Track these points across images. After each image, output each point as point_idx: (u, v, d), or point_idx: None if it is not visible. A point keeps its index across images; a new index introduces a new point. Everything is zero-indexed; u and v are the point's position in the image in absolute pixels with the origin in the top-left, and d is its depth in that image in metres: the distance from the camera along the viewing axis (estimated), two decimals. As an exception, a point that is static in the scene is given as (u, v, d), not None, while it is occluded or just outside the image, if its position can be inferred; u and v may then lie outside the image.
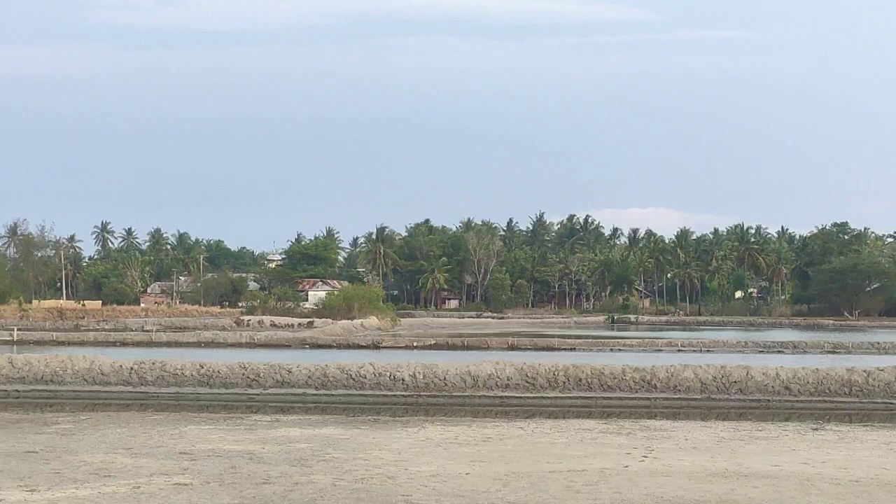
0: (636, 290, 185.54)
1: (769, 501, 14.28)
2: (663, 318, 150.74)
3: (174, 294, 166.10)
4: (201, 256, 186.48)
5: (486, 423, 24.15)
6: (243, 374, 33.24)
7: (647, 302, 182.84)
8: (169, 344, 65.92)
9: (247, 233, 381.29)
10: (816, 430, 22.98)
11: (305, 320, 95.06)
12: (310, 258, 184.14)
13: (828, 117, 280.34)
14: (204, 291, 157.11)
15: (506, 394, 31.98)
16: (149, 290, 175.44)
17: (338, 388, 32.48)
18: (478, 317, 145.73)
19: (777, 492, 14.98)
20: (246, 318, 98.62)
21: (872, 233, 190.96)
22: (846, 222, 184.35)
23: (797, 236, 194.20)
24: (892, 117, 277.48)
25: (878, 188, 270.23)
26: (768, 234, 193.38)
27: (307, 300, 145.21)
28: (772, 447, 19.87)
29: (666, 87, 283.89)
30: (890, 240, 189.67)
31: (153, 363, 33.95)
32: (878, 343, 68.10)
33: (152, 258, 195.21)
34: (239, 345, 65.38)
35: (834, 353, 60.51)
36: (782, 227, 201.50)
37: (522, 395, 31.89)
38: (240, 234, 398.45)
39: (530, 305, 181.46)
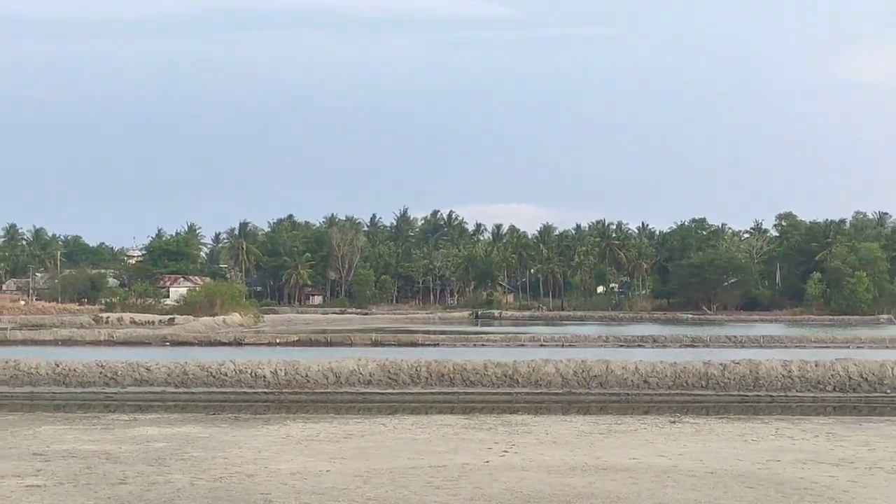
0: (500, 285, 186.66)
1: (627, 494, 14.41)
2: (526, 314, 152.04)
3: (30, 291, 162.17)
4: (58, 252, 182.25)
5: (348, 420, 24.01)
6: (101, 373, 32.68)
7: (510, 297, 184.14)
8: (24, 342, 64.40)
9: (106, 229, 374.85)
10: (674, 422, 23.30)
11: (166, 317, 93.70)
12: (171, 254, 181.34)
13: (687, 114, 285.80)
14: (62, 288, 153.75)
15: (368, 390, 31.96)
16: (3, 288, 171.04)
17: (198, 386, 32.14)
18: (342, 313, 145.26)
19: (635, 484, 15.14)
20: (105, 315, 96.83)
21: (729, 228, 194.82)
22: (704, 218, 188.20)
23: (657, 232, 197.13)
24: (748, 115, 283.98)
25: (735, 185, 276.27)
26: (629, 229, 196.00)
27: (168, 297, 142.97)
28: (630, 440, 20.08)
29: (529, 84, 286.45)
30: (746, 235, 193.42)
31: (6, 362, 33.17)
32: (735, 336, 69.69)
33: (7, 254, 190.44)
34: (97, 343, 64.22)
35: (692, 346, 61.62)
36: (643, 223, 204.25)
37: (385, 392, 31.90)
38: (99, 230, 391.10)
39: (394, 301, 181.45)
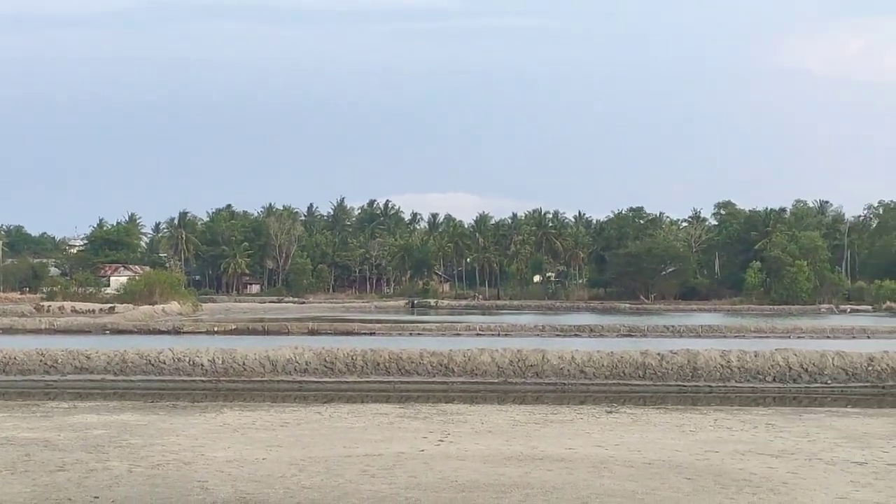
0: (436, 274, 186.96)
1: (563, 484, 14.42)
2: (463, 303, 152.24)
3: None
4: (0, 241, 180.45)
5: (284, 408, 23.91)
6: (41, 361, 32.51)
7: (446, 286, 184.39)
8: (-37, 331, 63.62)
9: (48, 218, 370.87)
10: (611, 412, 23.34)
11: (107, 306, 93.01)
12: (112, 244, 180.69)
13: (623, 103, 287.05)
14: (3, 278, 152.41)
15: (304, 378, 31.89)
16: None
17: (137, 374, 32.00)
18: (279, 302, 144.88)
19: (570, 474, 15.15)
20: (46, 303, 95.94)
21: (667, 217, 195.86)
22: (642, 207, 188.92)
23: (594, 221, 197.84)
24: (687, 104, 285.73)
25: (672, 174, 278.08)
26: (566, 218, 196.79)
27: (109, 286, 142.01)
28: (566, 430, 20.09)
29: (463, 73, 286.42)
30: (684, 224, 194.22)
31: (-59, 350, 32.76)
32: (673, 326, 70.02)
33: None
34: (38, 331, 63.83)
35: (629, 336, 61.74)
36: (579, 212, 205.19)
37: (321, 380, 31.83)
38: (40, 219, 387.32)
39: (331, 290, 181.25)
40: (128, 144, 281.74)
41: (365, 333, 61.94)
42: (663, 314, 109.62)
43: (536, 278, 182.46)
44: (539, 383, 31.74)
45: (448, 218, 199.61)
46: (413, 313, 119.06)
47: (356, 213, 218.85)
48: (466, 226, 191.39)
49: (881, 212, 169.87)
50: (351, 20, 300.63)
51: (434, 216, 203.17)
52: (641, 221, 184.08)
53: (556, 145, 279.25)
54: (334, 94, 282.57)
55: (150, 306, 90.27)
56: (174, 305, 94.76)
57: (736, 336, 61.19)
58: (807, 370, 31.88)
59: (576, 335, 61.90)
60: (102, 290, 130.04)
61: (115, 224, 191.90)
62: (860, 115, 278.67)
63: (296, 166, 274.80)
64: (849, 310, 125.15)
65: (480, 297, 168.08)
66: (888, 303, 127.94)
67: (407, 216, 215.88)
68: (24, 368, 32.28)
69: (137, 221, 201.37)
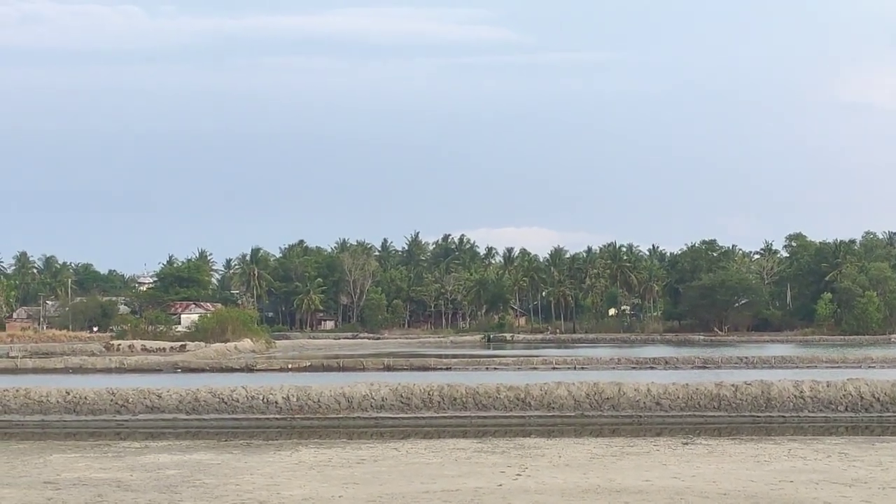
0: (511, 308, 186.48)
1: (640, 517, 14.33)
2: (539, 337, 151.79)
3: (41, 319, 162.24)
4: (69, 280, 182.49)
5: (360, 445, 23.95)
6: (111, 400, 32.62)
7: (522, 320, 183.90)
8: (35, 370, 64.43)
9: (117, 256, 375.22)
10: (686, 444, 23.20)
11: (178, 344, 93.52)
12: (182, 280, 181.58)
13: (697, 137, 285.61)
14: (72, 316, 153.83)
15: (380, 415, 31.88)
16: (14, 316, 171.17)
17: (209, 413, 32.06)
18: (354, 338, 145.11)
19: (648, 507, 15.06)
20: (116, 342, 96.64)
21: (740, 250, 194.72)
22: (714, 240, 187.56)
23: (668, 254, 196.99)
24: (757, 138, 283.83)
25: (744, 207, 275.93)
26: (640, 251, 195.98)
27: (180, 323, 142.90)
28: (643, 462, 19.99)
29: (537, 107, 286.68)
30: (756, 256, 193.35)
31: (17, 390, 33.15)
32: (747, 357, 69.45)
33: (17, 282, 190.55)
34: (108, 370, 64.24)
35: (704, 368, 61.39)
36: (653, 245, 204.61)
37: (397, 416, 31.81)
38: (110, 257, 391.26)
39: (406, 325, 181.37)
40: (197, 179, 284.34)
41: (441, 368, 61.89)
42: (737, 346, 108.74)
43: (611, 311, 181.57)
44: (615, 416, 31.57)
45: (523, 252, 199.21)
46: (489, 347, 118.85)
47: (430, 247, 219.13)
48: (541, 260, 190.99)
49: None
50: (421, 54, 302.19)
51: (509, 250, 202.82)
52: (714, 254, 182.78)
53: (630, 179, 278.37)
54: (405, 129, 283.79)
55: (223, 344, 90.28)
56: (247, 343, 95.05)
57: (808, 366, 61.24)
58: (879, 400, 31.73)
59: (651, 367, 61.60)
60: (173, 328, 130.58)
61: (185, 261, 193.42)
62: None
63: (369, 201, 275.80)
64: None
65: (556, 330, 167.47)
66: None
67: (482, 251, 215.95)
68: (96, 408, 32.45)
69: (208, 258, 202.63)
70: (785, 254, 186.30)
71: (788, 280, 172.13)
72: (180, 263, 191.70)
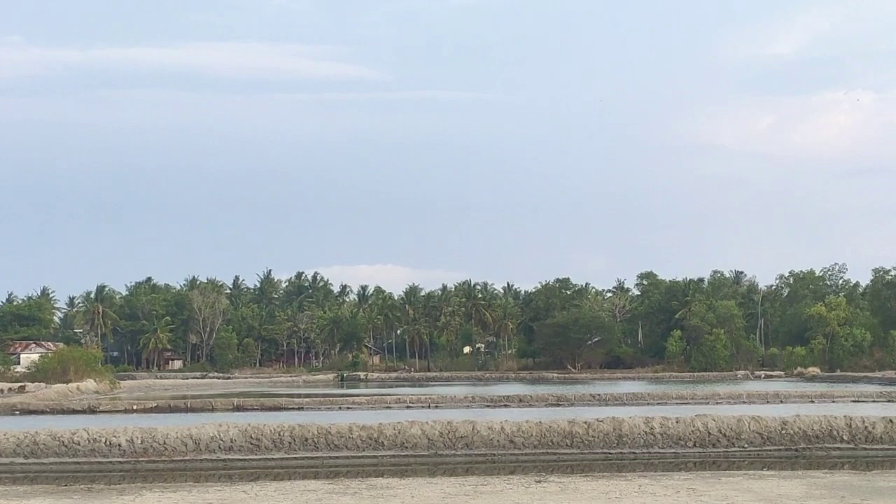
0: (366, 346, 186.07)
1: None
2: (393, 375, 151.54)
3: None
4: None
5: (207, 488, 23.24)
6: (-56, 444, 31.22)
7: (376, 359, 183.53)
8: None
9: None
10: (539, 482, 23.06)
11: (17, 385, 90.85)
12: (22, 319, 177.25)
13: (548, 177, 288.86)
14: None
15: (229, 456, 31.13)
16: None
17: (49, 457, 30.90)
18: (203, 377, 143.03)
19: (501, 548, 14.75)
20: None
21: (593, 288, 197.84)
22: (568, 278, 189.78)
23: (522, 292, 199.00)
24: (607, 177, 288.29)
25: (596, 246, 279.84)
26: (495, 289, 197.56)
27: (19, 363, 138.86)
28: (496, 501, 19.76)
29: (393, 146, 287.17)
30: (609, 294, 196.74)
31: None
32: (599, 394, 70.12)
33: None
34: (-57, 413, 61.88)
35: (557, 405, 61.79)
36: (508, 283, 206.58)
37: (247, 458, 31.11)
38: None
39: (258, 365, 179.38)
40: (40, 215, 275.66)
41: (293, 408, 61.12)
42: (590, 383, 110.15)
43: (466, 349, 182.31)
44: (469, 454, 31.33)
45: (378, 290, 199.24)
46: (343, 387, 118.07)
47: (283, 285, 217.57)
48: (396, 297, 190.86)
49: (791, 281, 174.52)
50: (276, 90, 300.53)
51: (363, 288, 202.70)
52: (568, 292, 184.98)
53: (484, 217, 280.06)
54: (258, 164, 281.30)
55: (64, 385, 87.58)
56: (90, 383, 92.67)
57: (659, 403, 62.76)
58: (725, 435, 32.25)
59: (505, 405, 61.65)
60: (12, 368, 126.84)
61: (25, 298, 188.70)
62: (771, 189, 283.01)
63: (220, 238, 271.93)
64: (763, 375, 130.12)
65: (411, 369, 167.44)
66: (799, 368, 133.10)
67: (336, 288, 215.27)
68: (-73, 454, 31.05)
69: (50, 295, 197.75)
70: (637, 292, 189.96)
71: (640, 318, 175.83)
72: (20, 301, 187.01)
